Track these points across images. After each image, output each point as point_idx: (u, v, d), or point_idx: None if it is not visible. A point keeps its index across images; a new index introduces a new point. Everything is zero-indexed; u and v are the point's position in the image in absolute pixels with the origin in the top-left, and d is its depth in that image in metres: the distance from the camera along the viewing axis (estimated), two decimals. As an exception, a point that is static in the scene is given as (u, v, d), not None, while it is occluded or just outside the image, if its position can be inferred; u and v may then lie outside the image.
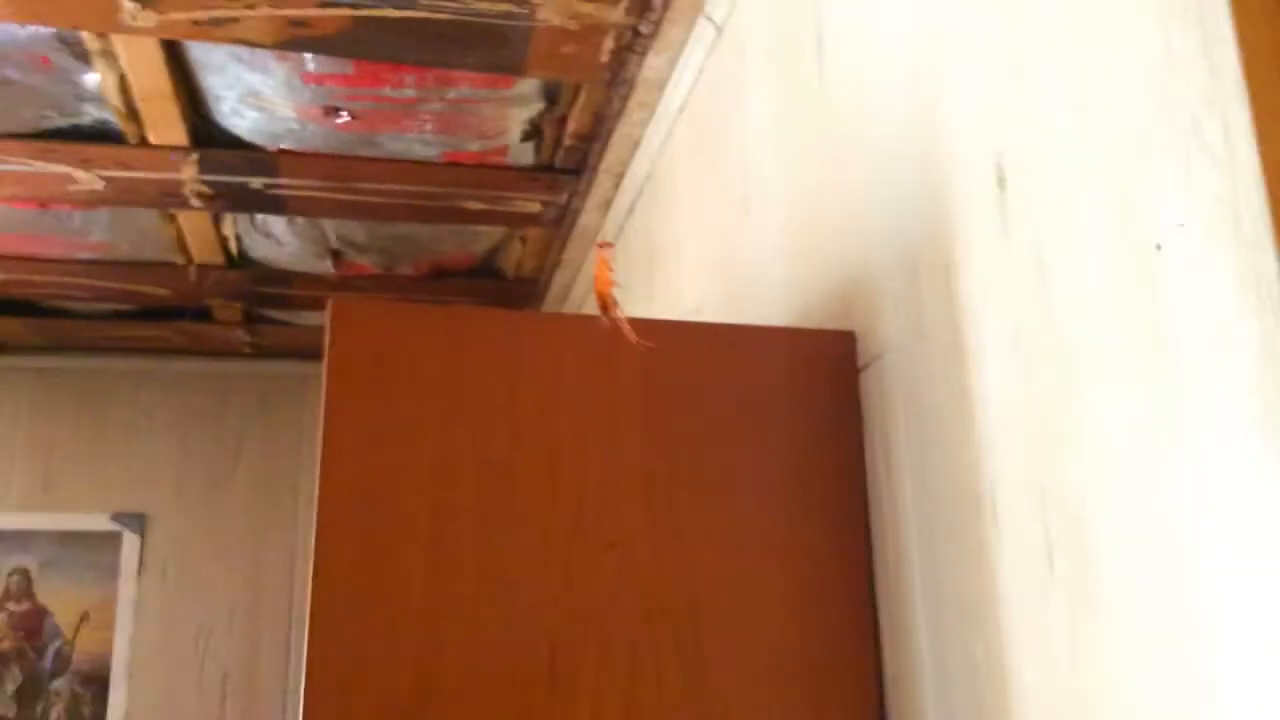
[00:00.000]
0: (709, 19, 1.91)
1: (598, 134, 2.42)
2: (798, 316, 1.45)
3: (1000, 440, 1.03)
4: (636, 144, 2.37)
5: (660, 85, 2.14)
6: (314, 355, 4.02)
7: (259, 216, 2.91)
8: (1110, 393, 0.86)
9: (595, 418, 1.26)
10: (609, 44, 2.05)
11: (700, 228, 1.97)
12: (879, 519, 1.25)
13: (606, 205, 2.66)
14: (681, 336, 1.32)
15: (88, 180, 2.58)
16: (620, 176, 2.52)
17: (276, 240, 3.07)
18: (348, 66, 2.19)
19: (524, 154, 2.59)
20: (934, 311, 1.15)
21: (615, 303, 1.12)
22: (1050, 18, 0.94)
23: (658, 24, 1.98)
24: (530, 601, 1.20)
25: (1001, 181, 1.03)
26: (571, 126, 2.42)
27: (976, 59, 1.07)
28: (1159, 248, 0.74)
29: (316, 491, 1.16)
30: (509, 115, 2.41)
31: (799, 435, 1.29)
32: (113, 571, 3.85)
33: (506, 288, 3.42)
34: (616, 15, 1.97)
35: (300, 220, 2.92)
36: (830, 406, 1.31)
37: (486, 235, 3.11)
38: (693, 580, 1.24)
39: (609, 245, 1.15)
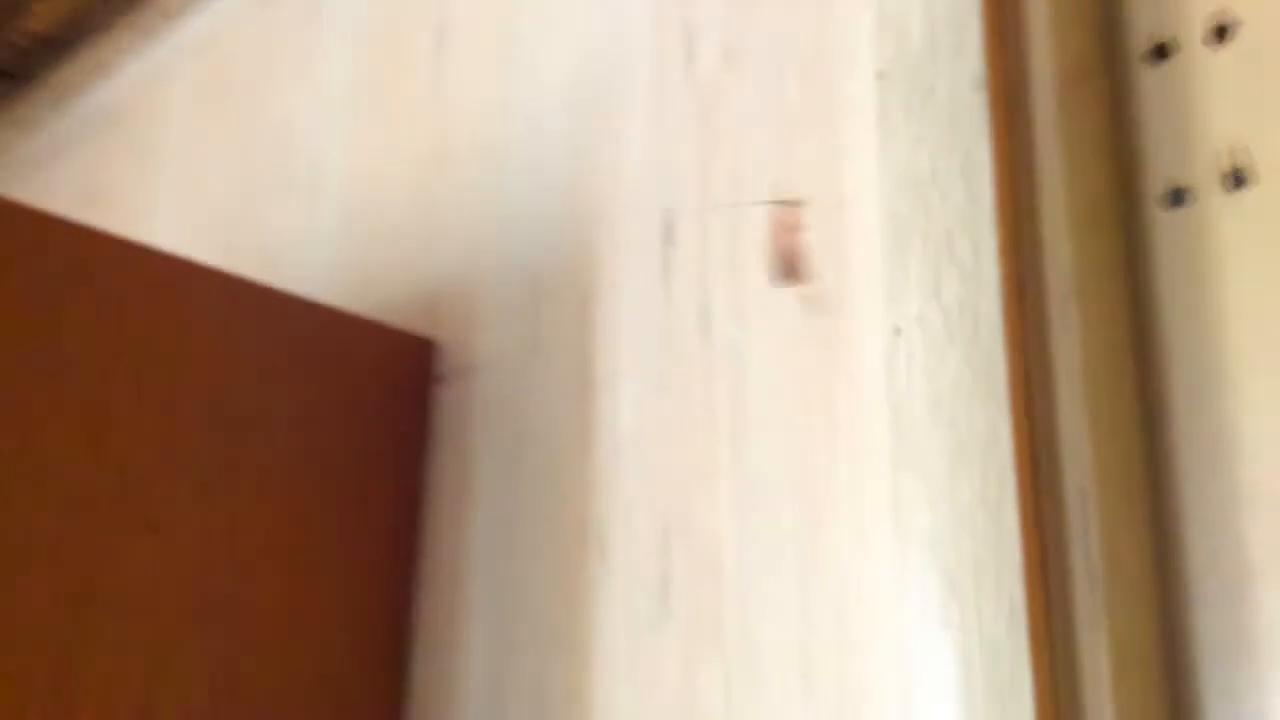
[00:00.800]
0: (269, -33, 1.75)
1: (65, 44, 2.07)
2: (356, 305, 1.37)
3: (622, 476, 1.07)
4: (111, 68, 2.06)
5: (174, 15, 1.90)
6: None
7: None
8: (770, 443, 0.95)
9: (160, 381, 1.09)
10: (123, -51, 1.79)
11: (197, 182, 1.77)
12: (436, 540, 1.22)
13: (39, 126, 2.27)
14: (253, 301, 1.19)
15: None
16: (71, 98, 2.17)
17: None
18: None
19: (-53, 36, 2.12)
20: (558, 338, 1.16)
21: (803, 273, 0.91)
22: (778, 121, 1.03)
23: (198, -50, 1.77)
24: (47, 583, 0.99)
25: (670, 239, 1.08)
26: (32, 25, 2.04)
27: (660, 118, 1.12)
28: (898, 331, 0.84)
29: None
30: (-47, -14, 1.97)
31: (357, 438, 1.23)
32: None
33: None
34: (156, -77, 1.73)
35: None
36: (395, 414, 1.26)
37: None
38: (238, 578, 1.11)
39: (798, 202, 0.92)
